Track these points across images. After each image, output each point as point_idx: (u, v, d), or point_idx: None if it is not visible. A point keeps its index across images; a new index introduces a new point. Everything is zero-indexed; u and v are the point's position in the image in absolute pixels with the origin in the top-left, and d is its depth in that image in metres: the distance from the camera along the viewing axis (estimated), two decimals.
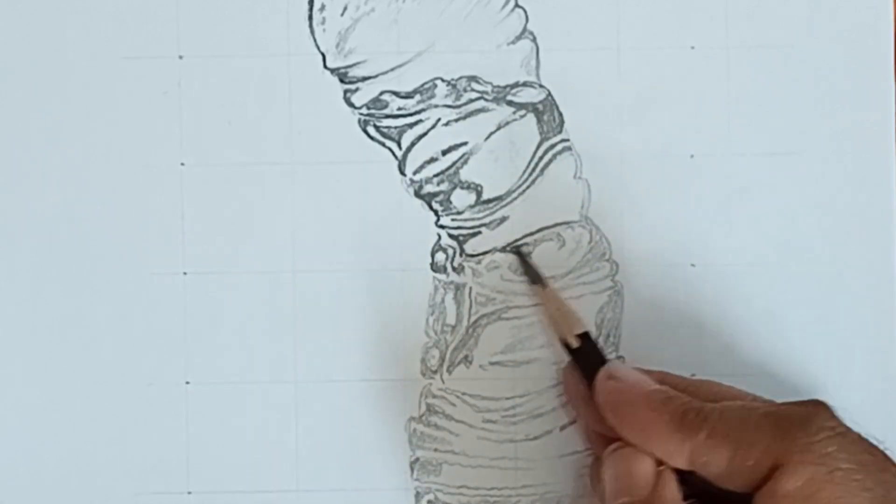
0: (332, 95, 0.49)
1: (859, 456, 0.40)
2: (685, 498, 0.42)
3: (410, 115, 0.49)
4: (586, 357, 0.46)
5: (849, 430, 0.41)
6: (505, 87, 0.49)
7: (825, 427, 0.40)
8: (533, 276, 0.48)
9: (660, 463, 0.42)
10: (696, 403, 0.42)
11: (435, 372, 0.49)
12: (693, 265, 0.49)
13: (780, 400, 0.43)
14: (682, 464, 0.42)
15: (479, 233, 0.49)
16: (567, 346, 0.47)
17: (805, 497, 0.39)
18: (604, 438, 0.44)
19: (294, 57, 0.49)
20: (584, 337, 0.47)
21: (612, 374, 0.44)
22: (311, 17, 0.49)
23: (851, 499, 0.39)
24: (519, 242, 0.48)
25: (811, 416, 0.41)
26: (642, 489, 0.42)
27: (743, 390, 0.44)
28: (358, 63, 0.49)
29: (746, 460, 0.40)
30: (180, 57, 0.49)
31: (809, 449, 0.40)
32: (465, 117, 0.49)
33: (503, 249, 0.49)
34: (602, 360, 0.46)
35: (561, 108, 0.49)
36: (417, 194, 0.49)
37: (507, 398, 0.49)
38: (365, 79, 0.49)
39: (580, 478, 0.49)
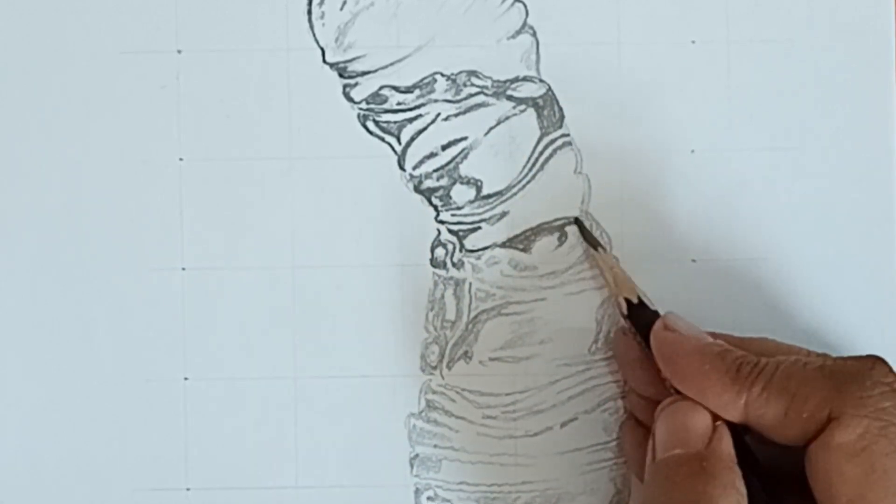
0: (331, 90, 0.49)
1: None
2: (738, 451, 0.42)
3: (410, 109, 0.49)
4: (641, 312, 0.46)
5: None
6: (505, 81, 0.49)
7: (881, 382, 0.41)
8: (592, 241, 0.48)
9: (716, 417, 0.42)
10: (751, 357, 0.42)
11: (434, 368, 0.49)
12: (693, 260, 0.49)
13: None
14: (736, 417, 0.42)
15: (479, 228, 0.49)
16: (627, 304, 0.47)
17: (858, 450, 0.40)
18: (651, 403, 0.45)
19: (293, 51, 0.49)
20: (640, 302, 0.47)
21: (669, 325, 0.44)
22: (310, 12, 0.49)
23: None
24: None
25: (867, 370, 0.41)
26: (697, 442, 0.42)
27: (797, 346, 0.44)
28: (357, 58, 0.49)
29: (801, 413, 0.41)
30: (179, 51, 0.49)
31: (864, 403, 0.40)
32: (464, 112, 0.49)
33: (503, 245, 0.49)
34: (655, 315, 0.46)
35: (561, 103, 0.49)
36: (417, 189, 0.49)
37: (507, 394, 0.49)
38: (364, 73, 0.49)
39: (581, 475, 0.48)
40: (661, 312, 0.46)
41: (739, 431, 0.42)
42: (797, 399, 0.41)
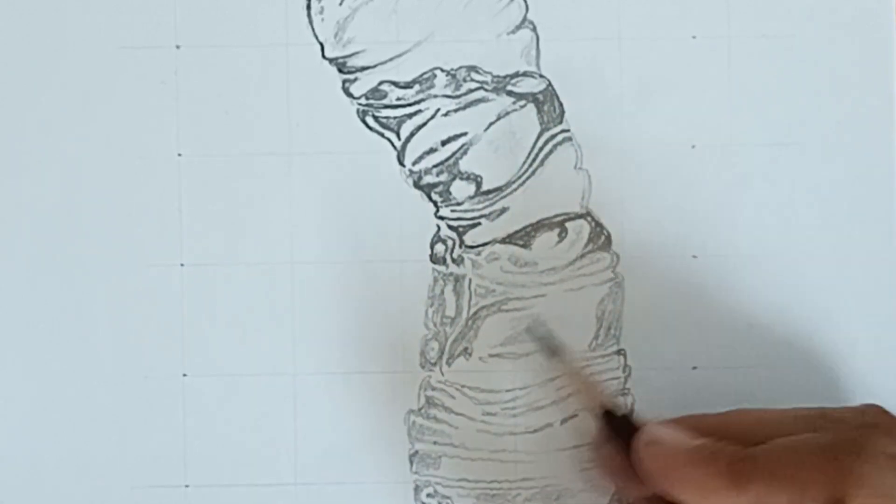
0: (330, 85, 0.49)
1: None
2: None
3: (409, 105, 0.49)
4: (619, 426, 0.45)
5: None
6: (505, 76, 0.49)
7: (881, 453, 0.39)
8: (551, 349, 0.47)
9: None
10: (742, 452, 0.41)
11: (434, 364, 0.49)
12: (694, 256, 0.48)
13: (802, 403, 0.43)
14: None
15: (479, 224, 0.49)
16: (603, 415, 0.46)
17: None
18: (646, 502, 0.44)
19: (292, 47, 0.49)
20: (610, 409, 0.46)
21: (652, 438, 0.43)
22: (309, 7, 0.49)
23: None
24: (530, 318, 0.48)
25: (864, 440, 0.40)
26: None
27: (779, 409, 0.44)
28: (356, 53, 0.49)
29: (804, 501, 0.39)
30: (177, 47, 0.49)
31: (866, 482, 0.39)
32: (464, 107, 0.49)
33: (503, 241, 0.49)
34: (631, 424, 0.45)
35: (561, 98, 0.49)
36: (416, 185, 0.49)
37: (507, 391, 0.48)
38: (364, 69, 0.49)
39: (581, 471, 0.48)
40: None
41: None
42: (797, 488, 0.39)
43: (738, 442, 0.42)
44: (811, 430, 0.42)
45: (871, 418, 0.42)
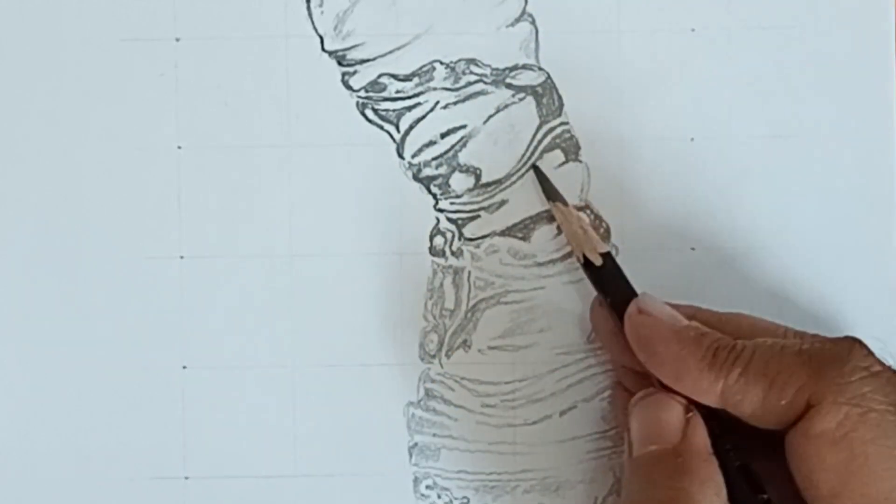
0: (330, 78, 0.49)
1: (894, 396, 0.40)
2: (714, 438, 0.42)
3: (409, 97, 0.49)
4: (610, 280, 0.45)
5: (884, 368, 0.41)
6: (504, 69, 0.49)
7: (859, 367, 0.40)
8: (550, 192, 0.47)
9: (688, 409, 0.42)
10: (728, 341, 0.42)
11: (433, 356, 0.49)
12: (693, 248, 0.48)
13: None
14: (713, 402, 0.41)
15: (478, 216, 0.49)
16: (588, 266, 0.46)
17: (839, 438, 0.40)
18: (631, 373, 0.45)
19: (292, 39, 0.49)
20: (607, 257, 0.46)
21: (643, 308, 0.44)
22: (308, 0, 0.49)
23: (885, 440, 0.40)
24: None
25: (845, 354, 0.41)
26: (672, 436, 0.41)
27: (775, 322, 0.44)
28: (356, 45, 0.49)
29: (780, 399, 0.40)
30: (177, 39, 0.49)
31: (843, 389, 0.40)
32: (463, 100, 0.49)
33: (502, 233, 0.49)
34: (627, 287, 0.45)
35: (560, 91, 0.49)
36: (416, 177, 0.49)
37: (506, 383, 0.48)
38: (363, 61, 0.49)
39: (580, 463, 0.48)
40: (638, 285, 0.45)
41: (716, 416, 0.42)
42: (775, 385, 0.41)
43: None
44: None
45: (855, 343, 0.42)
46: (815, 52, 0.48)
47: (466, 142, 0.49)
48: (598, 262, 0.46)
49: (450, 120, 0.49)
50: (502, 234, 0.49)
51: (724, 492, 0.41)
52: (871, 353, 0.41)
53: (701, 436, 0.42)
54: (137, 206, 0.48)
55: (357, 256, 0.48)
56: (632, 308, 0.44)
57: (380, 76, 0.49)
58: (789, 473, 0.41)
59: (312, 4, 0.49)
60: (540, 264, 0.48)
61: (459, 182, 0.49)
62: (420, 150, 0.49)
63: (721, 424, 0.42)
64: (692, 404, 0.42)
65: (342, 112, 0.49)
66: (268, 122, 0.49)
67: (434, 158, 0.49)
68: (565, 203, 0.47)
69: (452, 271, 0.49)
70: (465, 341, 0.49)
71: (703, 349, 0.42)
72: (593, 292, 0.48)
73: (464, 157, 0.49)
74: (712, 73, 0.49)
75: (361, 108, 0.49)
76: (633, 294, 0.45)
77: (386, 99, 0.49)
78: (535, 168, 0.48)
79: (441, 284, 0.49)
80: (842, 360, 0.41)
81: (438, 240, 0.49)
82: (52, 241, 0.48)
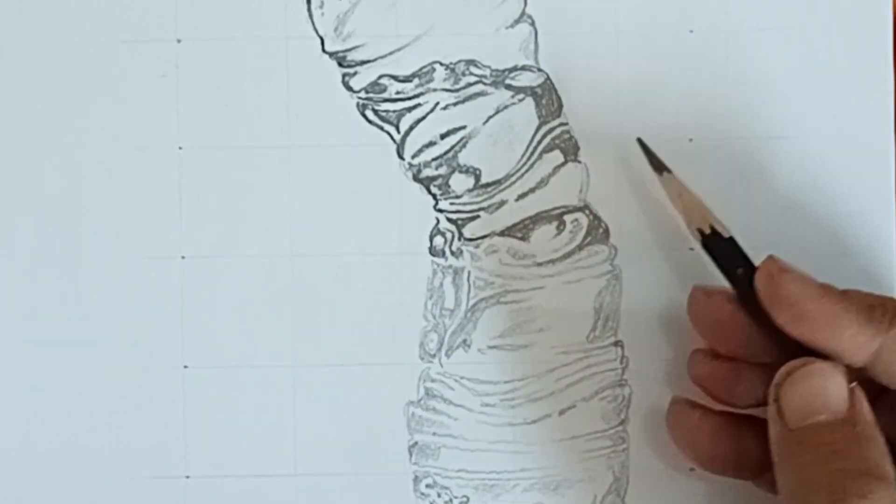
0: (330, 79, 0.49)
1: None
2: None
3: (409, 98, 0.49)
4: (732, 253, 0.44)
5: None
6: (503, 70, 0.49)
7: None
8: (657, 164, 0.46)
9: (850, 378, 0.40)
10: (879, 297, 0.41)
11: (433, 356, 0.49)
12: (692, 249, 0.49)
13: None
14: (864, 361, 0.40)
15: (478, 217, 0.49)
16: (710, 240, 0.44)
17: None
18: (728, 364, 0.43)
19: (292, 40, 0.49)
20: (714, 234, 0.44)
21: (784, 266, 0.42)
22: (309, 1, 0.49)
23: None
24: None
25: None
26: (840, 405, 0.40)
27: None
28: (356, 47, 0.49)
29: None
30: (178, 41, 0.49)
31: None
32: (463, 101, 0.49)
33: (502, 233, 0.49)
34: (743, 256, 0.44)
35: (559, 92, 0.49)
36: (416, 178, 0.49)
37: (506, 382, 0.49)
38: (363, 62, 0.49)
39: (579, 462, 0.49)
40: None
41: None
42: None
43: None
44: None
45: None
46: (813, 53, 0.49)
47: (466, 142, 0.49)
48: (725, 233, 0.44)
49: (450, 121, 0.49)
50: (502, 234, 0.49)
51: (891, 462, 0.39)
52: None
53: (866, 405, 0.40)
54: (138, 207, 0.49)
55: (357, 256, 0.49)
56: (772, 267, 0.42)
57: (380, 77, 0.49)
58: None
59: (313, 6, 0.49)
60: (539, 264, 0.49)
61: (459, 182, 0.49)
62: (420, 151, 0.49)
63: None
64: None
65: (342, 113, 0.49)
66: (268, 122, 0.49)
67: (434, 159, 0.49)
68: (671, 173, 0.46)
69: (452, 271, 0.49)
70: (464, 341, 0.49)
71: (857, 304, 0.40)
72: (594, 292, 0.48)
73: (463, 158, 0.49)
74: (711, 74, 0.49)
75: (362, 109, 0.49)
76: (753, 266, 0.43)
77: (386, 100, 0.49)
78: (639, 140, 0.46)
79: (441, 284, 0.49)
80: None
81: (438, 240, 0.49)
82: (54, 241, 0.49)
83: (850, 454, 0.39)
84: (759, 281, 0.42)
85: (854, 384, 0.40)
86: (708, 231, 0.45)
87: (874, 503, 0.37)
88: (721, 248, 0.44)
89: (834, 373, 0.40)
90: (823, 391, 0.40)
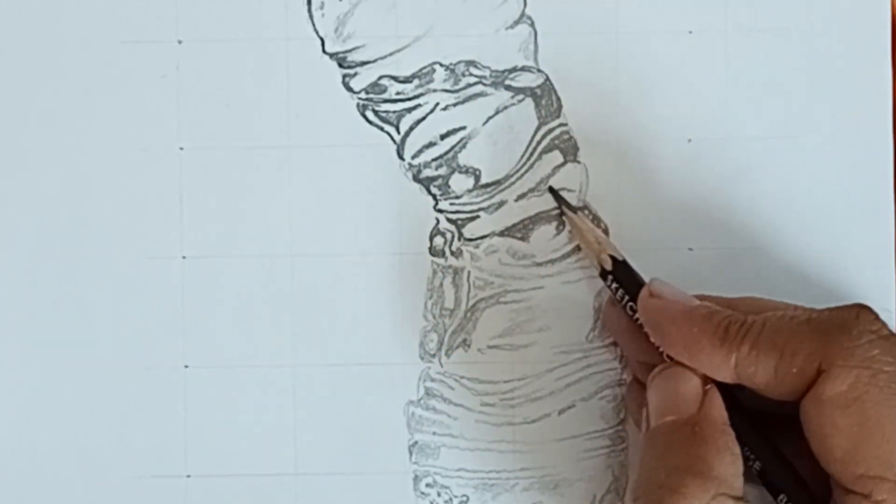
0: (330, 80, 0.49)
1: None
2: (730, 413, 0.42)
3: (409, 99, 0.49)
4: (625, 281, 0.46)
5: (892, 333, 0.41)
6: (503, 71, 0.49)
7: (868, 330, 0.41)
8: (568, 205, 0.48)
9: (706, 381, 0.43)
10: (738, 316, 0.43)
11: (433, 356, 0.49)
12: (691, 249, 0.49)
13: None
14: (727, 377, 0.42)
15: (478, 217, 0.49)
16: (603, 269, 0.47)
17: (850, 401, 0.40)
18: (648, 367, 0.45)
19: (292, 41, 0.49)
20: (621, 263, 0.47)
21: (654, 292, 0.45)
22: (309, 2, 0.49)
23: None
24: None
25: (853, 319, 0.41)
26: (689, 407, 0.42)
27: (784, 301, 0.45)
28: (356, 48, 0.49)
29: (791, 368, 0.41)
30: (179, 41, 0.49)
31: (852, 353, 0.41)
32: (463, 102, 0.49)
33: (501, 233, 0.49)
34: (641, 282, 0.46)
35: (559, 93, 0.49)
36: (416, 178, 0.49)
37: (506, 381, 0.49)
38: (363, 63, 0.49)
39: (578, 462, 0.49)
40: (646, 279, 0.46)
41: (732, 390, 0.43)
42: (786, 355, 0.41)
43: None
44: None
45: (863, 308, 0.42)
46: (811, 53, 0.49)
47: (466, 143, 0.49)
48: (608, 266, 0.47)
49: (449, 121, 0.49)
50: (501, 234, 0.49)
51: (739, 462, 0.41)
52: (878, 318, 0.42)
53: (717, 406, 0.42)
54: (139, 207, 0.49)
55: (357, 256, 0.49)
56: (644, 292, 0.45)
57: (380, 78, 0.49)
58: (806, 448, 0.41)
59: (313, 7, 0.49)
60: (539, 264, 0.49)
61: (459, 183, 0.49)
62: (420, 152, 0.49)
63: (737, 399, 0.43)
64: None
65: (343, 113, 0.49)
66: (269, 123, 0.49)
67: (434, 159, 0.49)
68: (581, 212, 0.48)
69: (452, 271, 0.49)
70: (464, 340, 0.49)
71: (714, 326, 0.42)
72: (593, 292, 0.48)
73: (463, 159, 0.49)
74: (710, 74, 0.49)
75: (362, 110, 0.49)
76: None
77: (386, 100, 0.49)
78: (551, 189, 0.48)
79: (441, 284, 0.49)
80: (850, 324, 0.41)
81: (438, 240, 0.49)
82: (55, 241, 0.49)
83: (681, 453, 0.41)
84: (638, 307, 0.45)
85: (709, 387, 0.42)
86: (609, 265, 0.47)
87: (688, 500, 0.40)
88: (626, 281, 0.46)
89: (687, 376, 0.43)
90: (675, 393, 0.43)
